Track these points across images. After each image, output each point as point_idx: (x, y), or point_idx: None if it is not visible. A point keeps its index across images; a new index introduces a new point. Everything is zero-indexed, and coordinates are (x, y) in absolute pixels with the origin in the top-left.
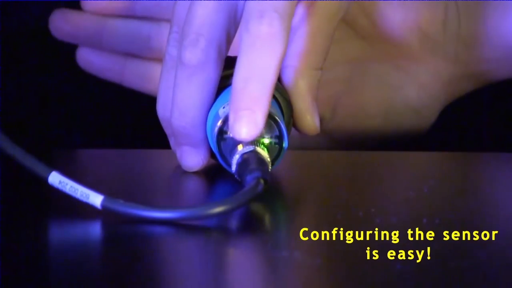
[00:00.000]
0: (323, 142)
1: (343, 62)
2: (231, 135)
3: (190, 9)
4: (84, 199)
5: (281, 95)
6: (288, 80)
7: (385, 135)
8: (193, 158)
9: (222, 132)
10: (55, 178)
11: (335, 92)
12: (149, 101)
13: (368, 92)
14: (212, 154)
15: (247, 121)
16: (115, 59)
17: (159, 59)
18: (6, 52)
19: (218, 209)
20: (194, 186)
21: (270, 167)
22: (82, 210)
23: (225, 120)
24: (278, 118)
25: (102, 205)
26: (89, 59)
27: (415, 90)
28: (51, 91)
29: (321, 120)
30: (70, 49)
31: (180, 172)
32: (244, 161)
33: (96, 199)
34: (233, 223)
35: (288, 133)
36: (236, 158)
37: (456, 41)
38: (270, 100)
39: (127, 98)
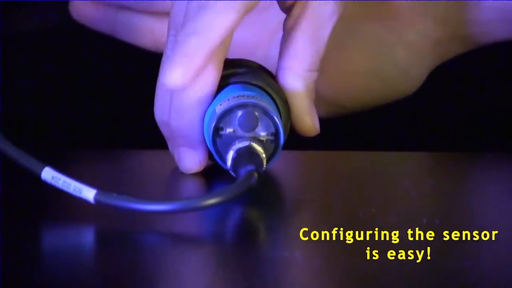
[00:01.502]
0: None
1: None
2: (227, 132)
3: (187, 11)
4: (77, 193)
5: (278, 96)
6: (284, 82)
7: (373, 94)
8: (190, 160)
9: (218, 128)
10: (48, 174)
11: None
12: (148, 102)
13: (356, 51)
14: (210, 156)
15: (179, 68)
16: (107, 11)
17: (150, 12)
18: (6, 53)
19: (212, 201)
20: (190, 186)
21: (265, 163)
22: (76, 207)
23: (221, 117)
24: (275, 116)
25: (95, 199)
26: (81, 10)
27: (403, 49)
28: (50, 92)
29: None
30: (69, 49)
31: (177, 173)
32: (238, 156)
33: (89, 193)
34: (233, 223)
35: (285, 133)
36: (231, 154)
37: (447, 2)
38: (207, 59)
39: (126, 98)
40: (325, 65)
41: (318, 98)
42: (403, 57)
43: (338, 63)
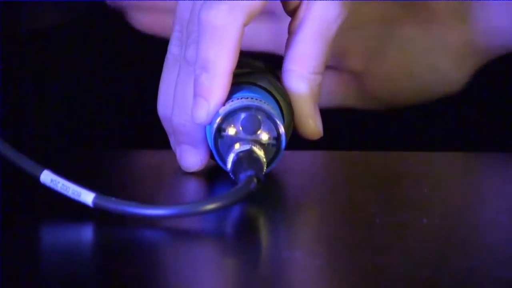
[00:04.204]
0: (353, 96)
1: (376, 21)
2: (229, 133)
3: (192, 8)
4: (75, 197)
5: (282, 98)
6: (289, 84)
7: (412, 96)
8: (192, 158)
9: (220, 129)
10: (47, 177)
11: (367, 48)
12: (148, 102)
13: (394, 53)
14: (211, 155)
15: (201, 107)
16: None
17: None
18: (6, 53)
19: (210, 206)
20: (190, 188)
21: (265, 168)
22: (75, 209)
23: (224, 118)
24: (278, 120)
25: (94, 203)
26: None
27: (443, 54)
28: (51, 92)
29: (353, 72)
30: (69, 49)
31: (177, 174)
32: (239, 160)
33: (87, 197)
34: (233, 223)
35: (288, 135)
36: (232, 157)
37: (487, 8)
38: (223, 90)
39: (125, 98)
40: (369, 64)
41: (359, 91)
42: (441, 60)
43: (381, 64)
